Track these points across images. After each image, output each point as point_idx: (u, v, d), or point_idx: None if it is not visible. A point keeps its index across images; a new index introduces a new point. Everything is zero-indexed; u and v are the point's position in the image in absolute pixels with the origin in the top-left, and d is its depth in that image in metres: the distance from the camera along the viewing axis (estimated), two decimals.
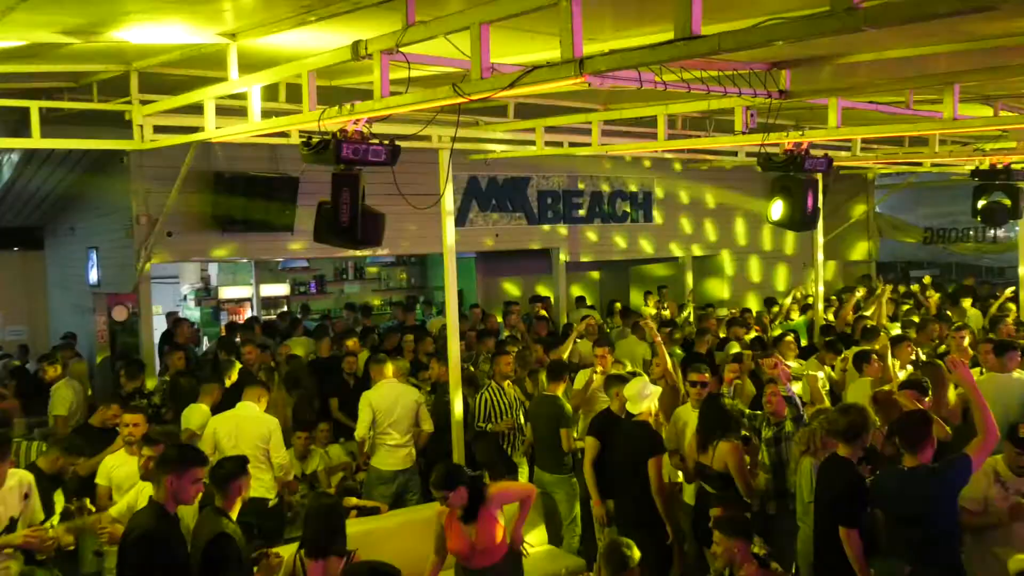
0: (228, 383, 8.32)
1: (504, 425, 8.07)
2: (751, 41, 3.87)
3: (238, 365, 8.81)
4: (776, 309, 13.55)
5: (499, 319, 12.69)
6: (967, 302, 12.58)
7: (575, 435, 7.81)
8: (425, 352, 10.22)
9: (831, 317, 12.54)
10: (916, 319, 11.10)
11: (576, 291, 14.99)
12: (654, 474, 6.37)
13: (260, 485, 6.86)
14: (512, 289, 16.09)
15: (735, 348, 10.10)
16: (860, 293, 13.21)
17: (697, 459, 6.43)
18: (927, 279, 14.93)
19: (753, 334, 11.18)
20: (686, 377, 7.26)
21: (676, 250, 14.98)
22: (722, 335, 11.38)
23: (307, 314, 13.92)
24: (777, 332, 11.12)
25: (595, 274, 16.63)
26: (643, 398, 6.59)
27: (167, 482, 4.70)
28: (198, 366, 10.28)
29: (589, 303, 14.70)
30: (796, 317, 12.84)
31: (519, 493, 5.93)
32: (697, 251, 15.29)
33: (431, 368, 9.37)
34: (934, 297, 13.53)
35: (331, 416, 9.22)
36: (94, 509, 5.83)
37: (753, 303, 15.35)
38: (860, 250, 17.81)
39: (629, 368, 7.96)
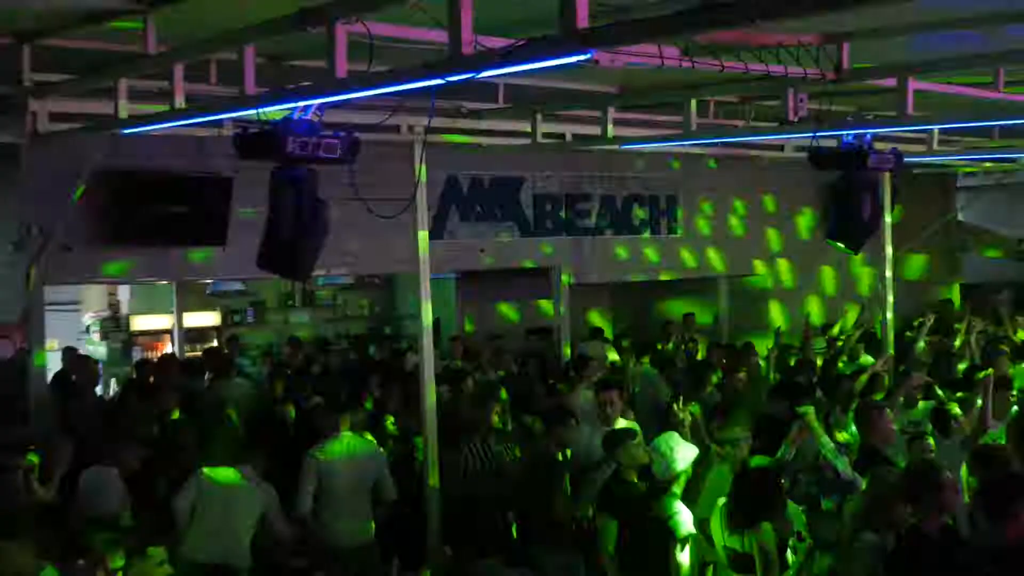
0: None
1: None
2: (797, 8, 3.88)
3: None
4: (837, 332, 13.54)
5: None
6: None
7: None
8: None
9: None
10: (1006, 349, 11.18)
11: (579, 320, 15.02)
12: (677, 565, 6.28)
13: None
14: (507, 315, 16.06)
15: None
16: (929, 321, 13.18)
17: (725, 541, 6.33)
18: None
19: None
20: (713, 431, 7.27)
21: (707, 268, 14.95)
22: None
23: (236, 349, 13.78)
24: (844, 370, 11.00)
25: (594, 313, 16.63)
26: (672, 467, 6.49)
27: None
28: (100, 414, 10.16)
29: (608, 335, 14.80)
30: (862, 354, 12.69)
31: None
32: (733, 269, 15.26)
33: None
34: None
35: None
36: None
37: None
38: (936, 268, 17.83)
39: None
